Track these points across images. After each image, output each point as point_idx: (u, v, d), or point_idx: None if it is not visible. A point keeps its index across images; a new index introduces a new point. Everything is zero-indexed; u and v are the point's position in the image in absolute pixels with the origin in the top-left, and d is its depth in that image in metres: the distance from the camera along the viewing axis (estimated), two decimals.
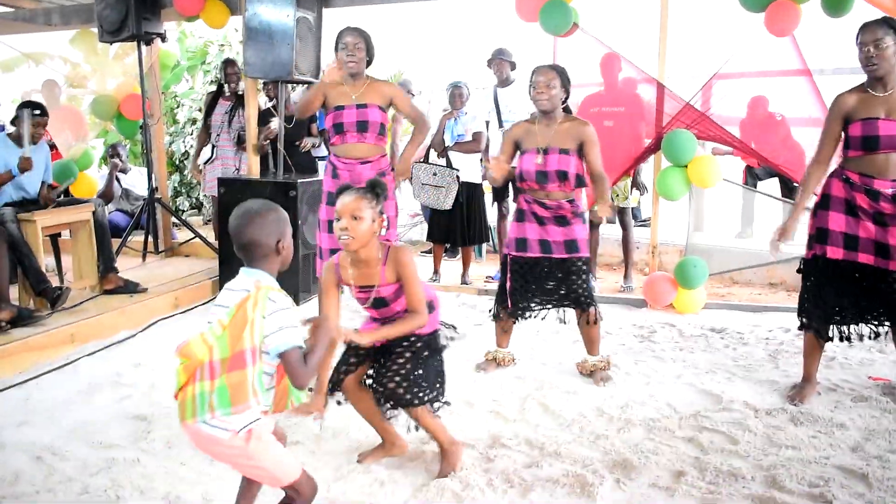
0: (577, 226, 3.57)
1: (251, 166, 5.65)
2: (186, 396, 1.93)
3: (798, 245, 3.65)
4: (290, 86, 5.78)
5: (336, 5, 5.41)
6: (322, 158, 6.38)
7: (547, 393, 3.43)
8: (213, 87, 6.92)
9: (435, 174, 5.56)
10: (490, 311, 3.85)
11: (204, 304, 5.01)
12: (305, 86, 5.95)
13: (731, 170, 5.97)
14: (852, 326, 3.32)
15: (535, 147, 3.54)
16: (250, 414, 1.93)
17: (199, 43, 9.21)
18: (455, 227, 5.61)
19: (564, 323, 3.75)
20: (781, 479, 2.55)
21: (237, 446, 1.93)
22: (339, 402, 2.71)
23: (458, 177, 5.52)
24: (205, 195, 7.86)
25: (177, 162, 9.05)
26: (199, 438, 1.97)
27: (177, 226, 6.72)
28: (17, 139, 4.57)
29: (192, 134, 8.72)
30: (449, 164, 5.59)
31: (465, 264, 5.72)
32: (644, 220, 6.39)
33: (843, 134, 3.22)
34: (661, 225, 5.22)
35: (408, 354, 2.61)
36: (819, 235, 3.28)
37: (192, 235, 6.26)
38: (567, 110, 3.68)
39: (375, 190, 2.47)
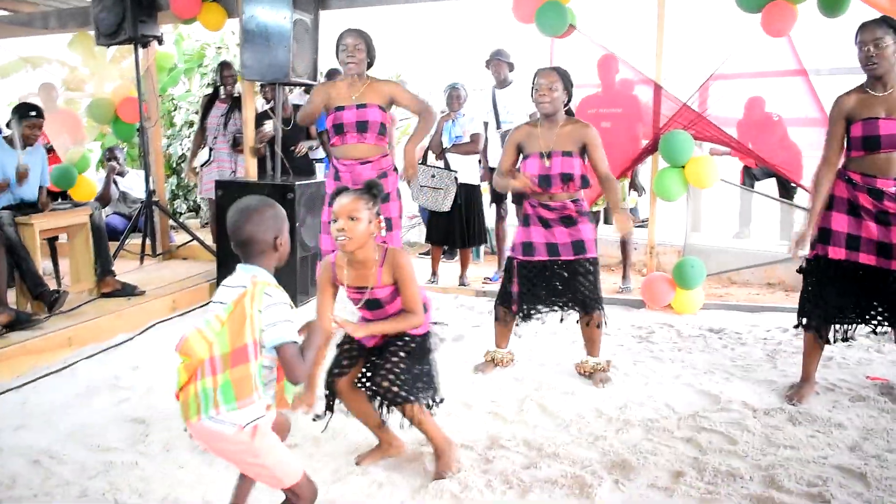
0: (583, 225, 3.56)
1: (248, 169, 5.65)
2: (189, 395, 1.93)
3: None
4: (287, 88, 5.77)
5: (333, 7, 5.39)
6: (319, 160, 6.38)
7: (545, 394, 3.42)
8: (210, 90, 6.92)
9: (433, 176, 5.55)
10: (491, 309, 3.83)
11: (201, 306, 5.00)
12: (302, 88, 5.97)
13: (729, 170, 5.97)
14: (852, 326, 3.32)
15: (539, 151, 3.52)
16: (255, 409, 1.94)
17: (195, 45, 9.20)
18: (453, 229, 5.60)
19: (562, 321, 3.74)
20: (780, 478, 2.55)
21: (243, 441, 1.93)
22: (314, 418, 2.61)
23: (456, 178, 5.52)
24: (202, 198, 7.86)
25: (174, 165, 9.05)
26: (203, 436, 1.96)
27: (174, 229, 6.72)
28: (12, 142, 4.57)
29: (189, 137, 8.70)
30: (447, 166, 5.59)
31: (464, 266, 5.72)
32: (642, 221, 6.39)
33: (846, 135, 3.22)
34: (659, 225, 5.22)
35: (402, 354, 2.61)
36: (821, 235, 3.28)
37: (190, 238, 6.25)
38: (569, 113, 3.66)
39: (372, 191, 2.48)
